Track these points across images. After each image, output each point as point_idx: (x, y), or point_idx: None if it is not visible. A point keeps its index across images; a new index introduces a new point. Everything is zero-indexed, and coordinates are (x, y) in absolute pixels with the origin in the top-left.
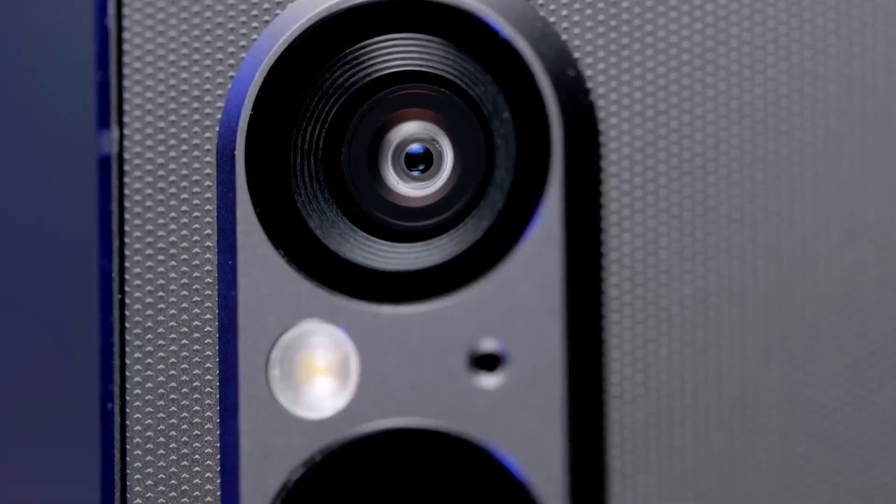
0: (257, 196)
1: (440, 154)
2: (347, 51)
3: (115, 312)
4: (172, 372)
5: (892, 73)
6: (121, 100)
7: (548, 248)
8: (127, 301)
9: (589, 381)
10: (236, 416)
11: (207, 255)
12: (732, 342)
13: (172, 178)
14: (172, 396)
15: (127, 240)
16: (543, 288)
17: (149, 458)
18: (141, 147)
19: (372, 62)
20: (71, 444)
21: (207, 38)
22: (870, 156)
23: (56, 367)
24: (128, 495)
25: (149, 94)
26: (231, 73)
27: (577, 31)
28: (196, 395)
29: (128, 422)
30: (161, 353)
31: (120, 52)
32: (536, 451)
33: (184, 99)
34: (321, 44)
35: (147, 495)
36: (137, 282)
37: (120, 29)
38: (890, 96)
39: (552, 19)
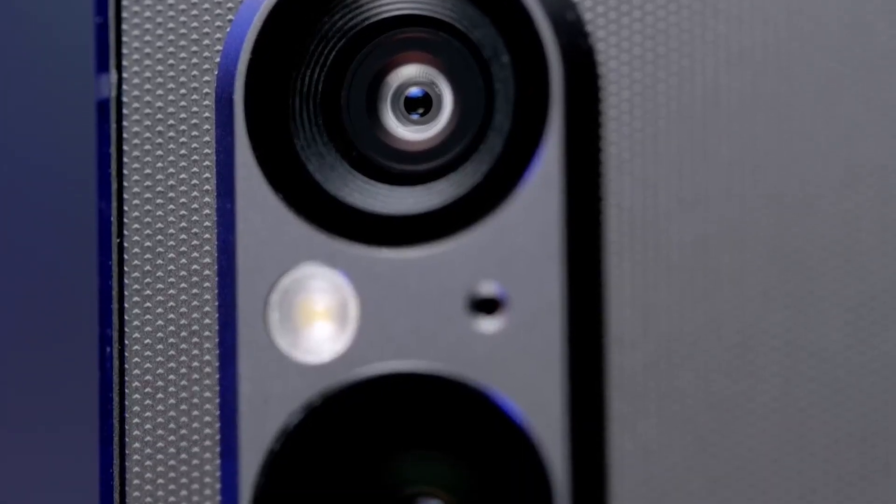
0: (256, 140)
1: (439, 98)
2: None
3: (114, 256)
4: (171, 316)
5: (892, 15)
6: (119, 43)
7: (547, 192)
8: (125, 245)
9: (588, 325)
10: (235, 360)
11: (206, 199)
12: (732, 286)
13: (171, 121)
14: (171, 340)
15: (125, 183)
16: (543, 232)
17: (147, 402)
18: (139, 91)
19: (371, 5)
20: (69, 389)
21: None
22: (870, 99)
23: (55, 312)
24: (126, 440)
25: (147, 38)
26: (230, 17)
27: None
28: (195, 340)
29: (126, 366)
30: (160, 297)
31: None
32: (535, 395)
33: (182, 42)
34: None
35: (146, 439)
36: (136, 225)
37: None
38: (890, 38)
39: None
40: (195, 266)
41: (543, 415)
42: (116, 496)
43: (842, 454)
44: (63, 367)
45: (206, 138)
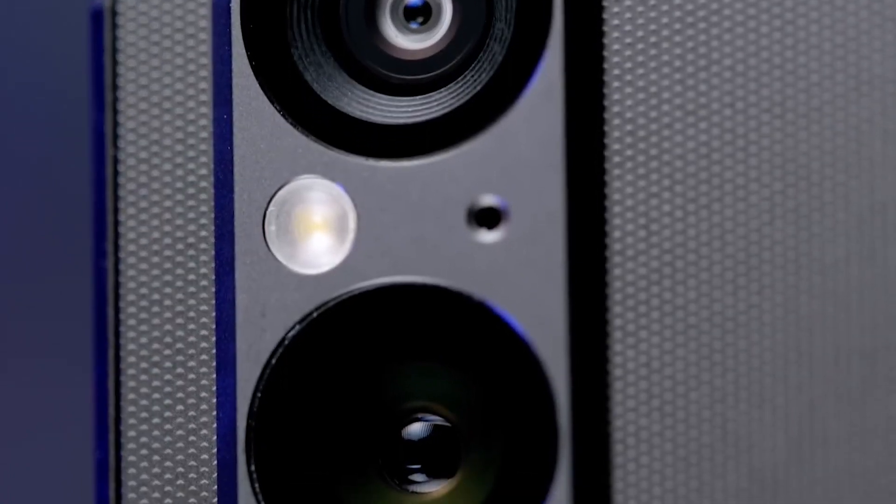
0: (253, 49)
1: (439, 6)
2: None
3: (108, 167)
4: (167, 228)
5: None
6: None
7: (548, 102)
8: (120, 156)
9: (590, 237)
10: (232, 272)
11: (203, 110)
12: (736, 198)
13: (167, 30)
14: (167, 253)
15: (120, 94)
16: (544, 142)
17: (143, 315)
18: (134, 0)
19: None
20: (63, 302)
21: None
22: (876, 8)
23: (49, 223)
24: (121, 354)
25: None
26: None
27: None
28: (191, 252)
29: (121, 279)
30: (155, 209)
31: None
32: (537, 308)
33: None
34: None
35: (141, 353)
36: (131, 136)
37: None
38: None
39: None
40: (191, 177)
41: (545, 327)
42: (111, 411)
43: (845, 368)
44: (57, 283)
45: (203, 48)
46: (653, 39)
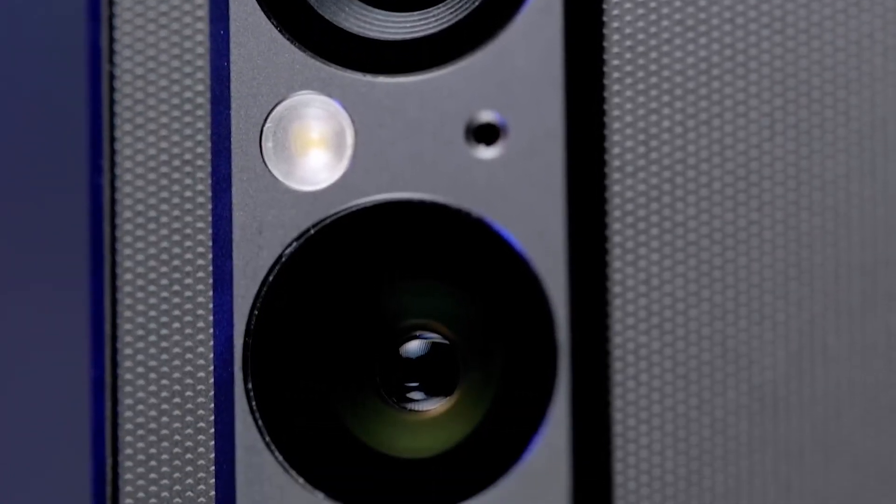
0: None
1: None
2: None
3: (104, 83)
4: (164, 144)
5: None
6: None
7: (547, 17)
8: (116, 72)
9: (589, 153)
10: (229, 188)
11: (199, 26)
12: (736, 113)
13: None
14: (163, 169)
15: (116, 9)
16: (543, 58)
17: (139, 232)
18: None
19: None
20: (60, 220)
21: None
22: None
23: (45, 143)
24: (118, 271)
25: None
26: None
27: None
28: (188, 168)
29: (117, 196)
30: (152, 125)
31: None
32: (536, 225)
33: None
34: None
35: (138, 270)
36: (127, 52)
37: None
38: None
39: None
40: (188, 94)
41: (544, 243)
42: (108, 329)
43: (845, 284)
44: (53, 201)
45: None
46: None
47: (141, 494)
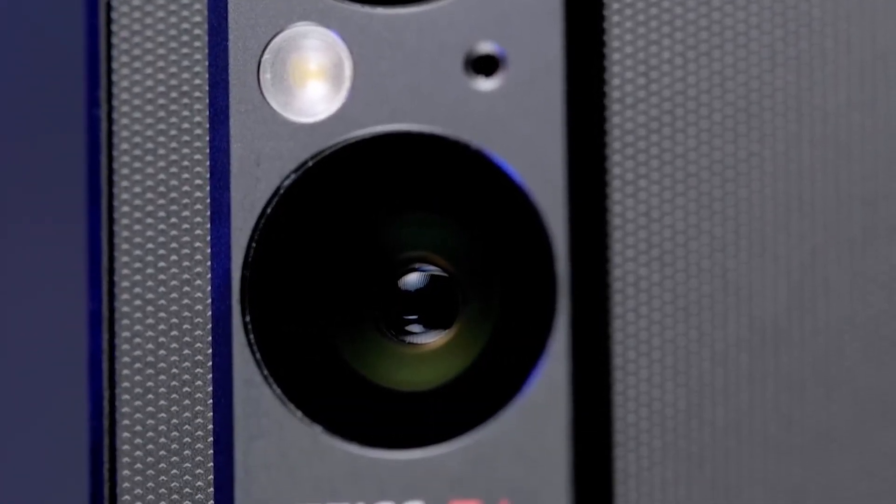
0: None
1: None
2: None
3: (101, 14)
4: (161, 76)
5: None
6: None
7: None
8: (112, 4)
9: (589, 84)
10: (227, 120)
11: None
12: (737, 44)
13: None
14: (161, 101)
15: None
16: None
17: (136, 164)
18: None
19: None
20: (55, 152)
21: None
22: None
23: (42, 74)
24: (115, 203)
25: None
26: None
27: None
28: (185, 100)
29: (115, 128)
30: (149, 57)
31: None
32: (535, 156)
33: None
34: None
35: (135, 203)
36: None
37: None
38: None
39: None
40: (185, 25)
41: (543, 175)
42: (105, 262)
43: (846, 216)
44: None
45: None
46: None
47: (138, 427)
